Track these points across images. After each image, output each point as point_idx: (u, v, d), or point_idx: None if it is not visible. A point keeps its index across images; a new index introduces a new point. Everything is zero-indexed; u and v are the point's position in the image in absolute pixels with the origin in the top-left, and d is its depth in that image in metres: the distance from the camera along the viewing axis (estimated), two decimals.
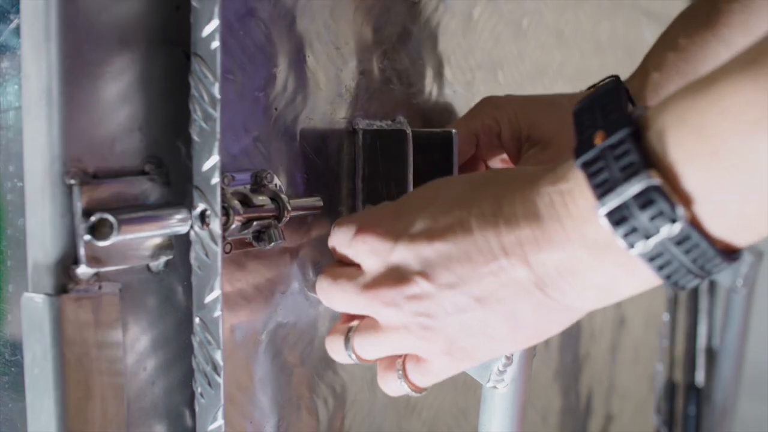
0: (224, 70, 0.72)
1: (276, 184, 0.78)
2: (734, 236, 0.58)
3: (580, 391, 1.33)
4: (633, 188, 0.58)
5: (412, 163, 0.84)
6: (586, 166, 0.61)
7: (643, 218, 0.58)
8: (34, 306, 0.62)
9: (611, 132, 0.60)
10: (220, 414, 0.70)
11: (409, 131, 0.84)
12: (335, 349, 0.75)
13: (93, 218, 0.63)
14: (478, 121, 0.94)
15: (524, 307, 0.66)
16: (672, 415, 1.74)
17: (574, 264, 0.63)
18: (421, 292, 0.68)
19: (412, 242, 0.68)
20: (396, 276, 0.69)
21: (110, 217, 0.63)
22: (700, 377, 1.77)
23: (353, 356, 0.74)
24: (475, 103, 0.95)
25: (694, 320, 1.77)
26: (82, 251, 0.63)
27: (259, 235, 0.76)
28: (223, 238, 0.70)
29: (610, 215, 0.59)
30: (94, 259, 0.64)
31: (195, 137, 0.68)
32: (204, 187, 0.68)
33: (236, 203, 0.72)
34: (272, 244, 0.76)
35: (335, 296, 0.73)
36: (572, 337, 1.29)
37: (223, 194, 0.70)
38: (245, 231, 0.74)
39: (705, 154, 0.57)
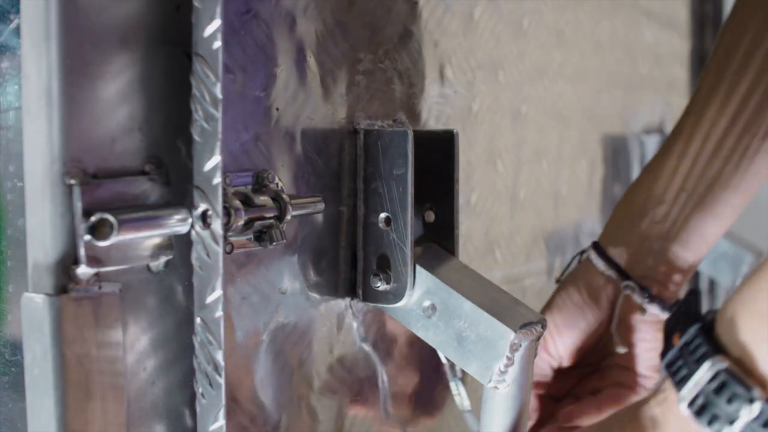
0: (225, 70, 0.72)
1: (277, 184, 0.78)
2: None
3: None
4: (704, 374, 0.62)
5: (414, 162, 0.84)
6: (669, 367, 0.66)
7: (721, 403, 0.61)
8: (34, 306, 0.62)
9: (684, 331, 0.65)
10: (221, 414, 0.70)
11: (410, 131, 0.84)
12: None
13: (93, 218, 0.63)
14: None
15: None
16: None
17: None
18: None
19: None
20: None
21: (110, 217, 0.63)
22: None
23: None
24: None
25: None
26: (82, 251, 0.63)
27: (260, 236, 0.76)
28: (225, 238, 0.70)
29: (692, 405, 0.63)
30: (94, 259, 0.63)
31: (196, 137, 0.68)
32: (205, 188, 0.68)
33: (237, 203, 0.72)
34: (274, 244, 0.76)
35: None
36: None
37: (225, 194, 0.70)
38: (247, 231, 0.74)
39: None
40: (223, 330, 0.69)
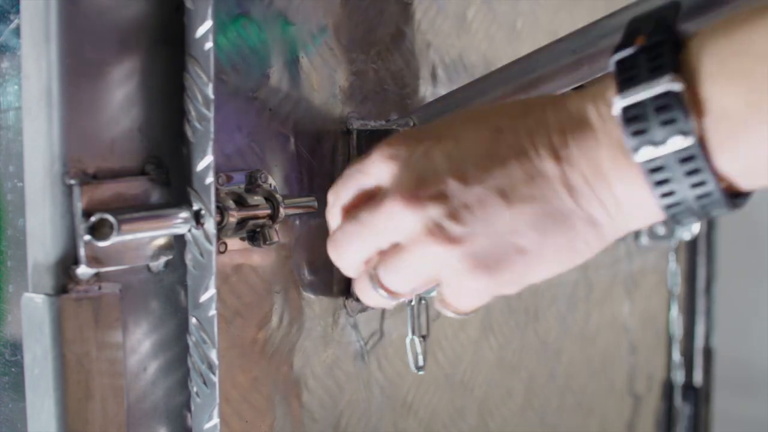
0: (218, 71, 0.72)
1: (270, 184, 0.78)
2: (743, 174, 0.58)
3: (577, 391, 1.34)
4: (654, 89, 0.58)
5: None
6: (620, 63, 0.61)
7: (655, 122, 0.58)
8: (34, 306, 0.62)
9: (652, 36, 0.61)
10: (215, 413, 0.71)
11: (402, 131, 0.84)
12: (363, 289, 0.71)
13: (93, 218, 0.63)
14: None
15: (550, 212, 0.64)
16: (670, 415, 1.74)
17: (596, 166, 0.62)
18: (447, 189, 0.64)
19: (439, 143, 0.66)
20: (420, 176, 0.65)
21: (110, 218, 0.63)
22: (698, 377, 1.77)
23: (382, 292, 0.69)
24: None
25: (692, 320, 1.77)
26: (82, 251, 0.63)
27: (254, 235, 0.76)
28: (218, 237, 0.70)
29: (626, 111, 0.60)
30: (94, 259, 0.64)
31: (189, 137, 0.68)
32: (198, 187, 0.68)
33: (231, 203, 0.72)
34: (267, 243, 0.76)
35: (355, 232, 0.69)
36: (569, 339, 1.29)
37: (218, 194, 0.70)
38: (240, 231, 0.74)
39: (741, 71, 0.57)
40: (217, 329, 0.69)
